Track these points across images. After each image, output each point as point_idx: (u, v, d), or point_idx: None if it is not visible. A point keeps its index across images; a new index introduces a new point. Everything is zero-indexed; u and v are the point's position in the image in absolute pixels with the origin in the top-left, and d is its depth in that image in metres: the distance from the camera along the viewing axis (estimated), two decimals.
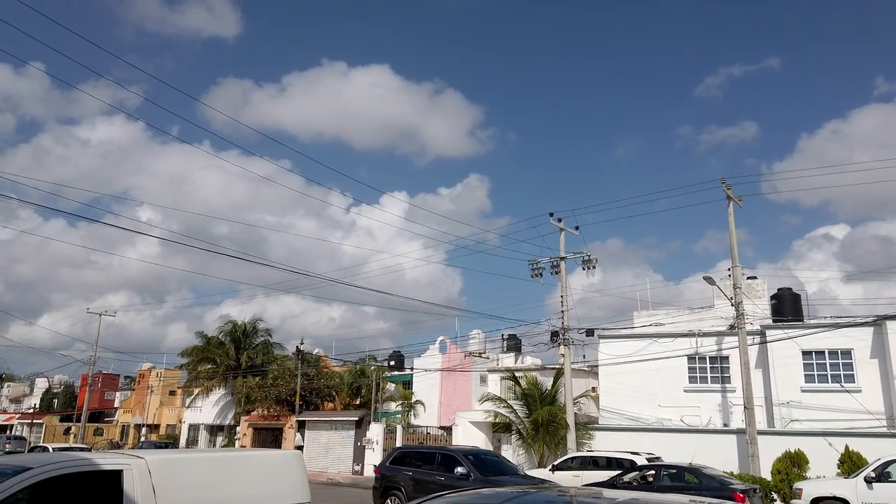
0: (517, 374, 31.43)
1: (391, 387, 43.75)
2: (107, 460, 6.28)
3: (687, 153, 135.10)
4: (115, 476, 6.08)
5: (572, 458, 23.48)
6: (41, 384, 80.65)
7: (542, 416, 26.27)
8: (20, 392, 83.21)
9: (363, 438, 35.50)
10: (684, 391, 27.58)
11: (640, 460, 21.74)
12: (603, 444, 26.40)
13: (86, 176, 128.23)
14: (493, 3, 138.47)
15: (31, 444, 46.93)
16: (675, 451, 22.74)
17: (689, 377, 27.68)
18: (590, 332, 28.03)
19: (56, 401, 76.04)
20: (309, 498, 7.77)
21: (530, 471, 24.99)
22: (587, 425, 27.73)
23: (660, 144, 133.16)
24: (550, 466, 23.35)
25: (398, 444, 33.77)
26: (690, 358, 27.52)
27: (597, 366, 33.61)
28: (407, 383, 42.79)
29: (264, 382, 42.64)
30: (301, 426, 38.57)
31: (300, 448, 34.94)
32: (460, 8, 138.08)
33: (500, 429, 30.35)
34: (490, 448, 31.34)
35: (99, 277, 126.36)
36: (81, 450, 31.90)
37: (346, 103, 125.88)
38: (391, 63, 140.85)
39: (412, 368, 44.69)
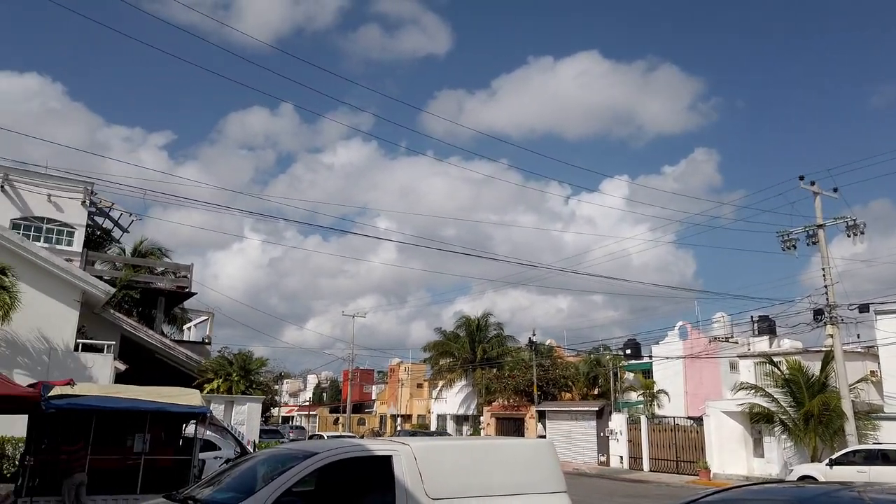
0: (775, 358, 28.23)
1: (630, 376, 42.23)
2: (378, 447, 6.68)
3: None
4: (387, 461, 6.44)
5: (854, 452, 20.46)
6: (312, 380, 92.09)
7: (812, 405, 23.22)
8: (296, 387, 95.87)
9: (605, 429, 34.70)
10: None
11: None
12: (891, 436, 22.59)
13: (332, 196, 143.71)
14: None
15: (309, 433, 53.64)
16: None
17: None
18: (863, 308, 24.15)
19: (325, 394, 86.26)
20: (564, 487, 7.55)
21: (800, 466, 22.28)
22: (869, 414, 23.96)
23: None
24: (827, 461, 20.59)
25: (643, 435, 32.43)
26: None
27: (875, 346, 28.98)
28: (646, 372, 40.94)
29: (501, 374, 43.82)
30: (541, 416, 38.90)
31: (543, 437, 35.22)
32: None
33: (759, 419, 27.53)
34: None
35: (350, 284, 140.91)
36: (349, 437, 35.52)
37: (556, 96, 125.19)
38: (599, 48, 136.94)
39: (650, 356, 42.66)
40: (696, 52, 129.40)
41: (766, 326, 39.01)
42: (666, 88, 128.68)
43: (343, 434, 38.88)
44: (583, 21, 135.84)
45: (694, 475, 28.37)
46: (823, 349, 29.70)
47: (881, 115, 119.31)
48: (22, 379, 16.32)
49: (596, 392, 41.42)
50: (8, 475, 16.43)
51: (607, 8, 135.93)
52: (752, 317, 40.16)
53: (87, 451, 10.77)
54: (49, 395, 10.50)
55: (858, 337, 26.62)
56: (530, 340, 42.28)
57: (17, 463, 14.63)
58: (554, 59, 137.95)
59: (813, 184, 24.30)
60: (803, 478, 20.91)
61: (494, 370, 45.47)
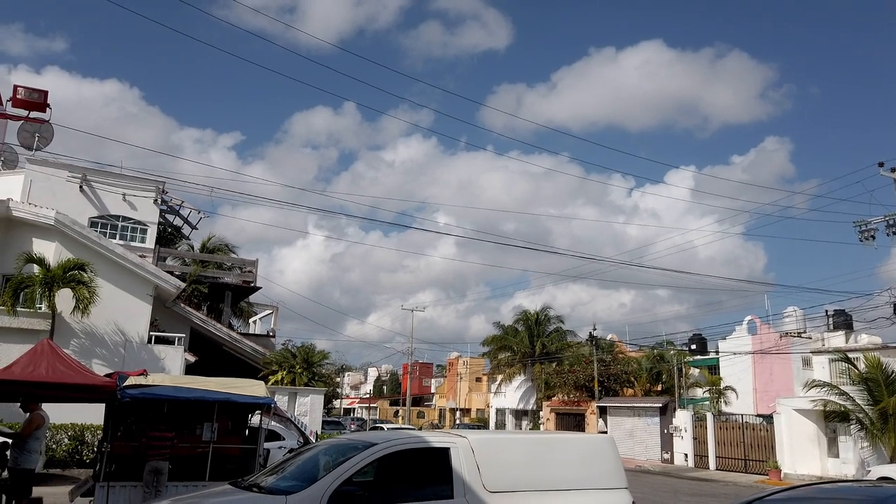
0: (851, 355, 26.87)
1: (695, 372, 41.05)
2: (436, 439, 6.71)
3: None
4: (444, 453, 6.45)
5: None
6: (372, 372, 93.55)
7: (891, 403, 22.02)
8: (357, 380, 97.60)
9: (669, 426, 33.87)
10: None
11: None
12: None
13: (392, 192, 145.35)
14: None
15: (370, 425, 54.59)
16: None
17: None
18: None
19: (385, 387, 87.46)
20: (625, 483, 7.40)
21: (878, 467, 21.16)
22: None
23: None
24: None
25: (709, 432, 31.50)
26: None
27: None
28: (712, 368, 39.72)
29: (561, 368, 43.34)
30: (602, 412, 38.31)
31: (604, 433, 34.68)
32: None
33: (834, 418, 26.28)
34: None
35: (410, 279, 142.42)
36: (409, 429, 35.95)
37: (618, 87, 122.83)
38: (663, 37, 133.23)
39: (717, 352, 41.35)
40: (767, 38, 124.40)
41: (842, 321, 37.13)
42: (734, 76, 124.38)
43: (403, 426, 39.31)
44: (646, 10, 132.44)
45: (763, 475, 27.38)
46: None
47: None
48: (99, 369, 17.19)
49: (659, 388, 40.46)
50: (87, 461, 17.35)
51: None
52: (826, 311, 38.33)
53: (171, 440, 11.21)
54: (124, 384, 10.99)
55: None
56: (591, 335, 41.63)
57: (95, 449, 15.42)
58: (616, 50, 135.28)
59: (894, 170, 22.98)
60: (881, 479, 19.89)
61: (554, 365, 45.02)
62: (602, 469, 7.21)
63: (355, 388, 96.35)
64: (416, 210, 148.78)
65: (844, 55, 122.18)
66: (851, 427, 25.36)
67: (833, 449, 27.60)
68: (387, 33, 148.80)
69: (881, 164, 23.07)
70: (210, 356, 25.27)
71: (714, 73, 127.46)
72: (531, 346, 48.31)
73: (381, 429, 36.33)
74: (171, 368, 21.02)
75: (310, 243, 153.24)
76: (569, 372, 41.89)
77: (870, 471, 20.80)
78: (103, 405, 12.47)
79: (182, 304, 25.77)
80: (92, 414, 16.19)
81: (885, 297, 28.43)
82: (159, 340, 22.32)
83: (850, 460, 26.36)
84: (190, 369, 21.74)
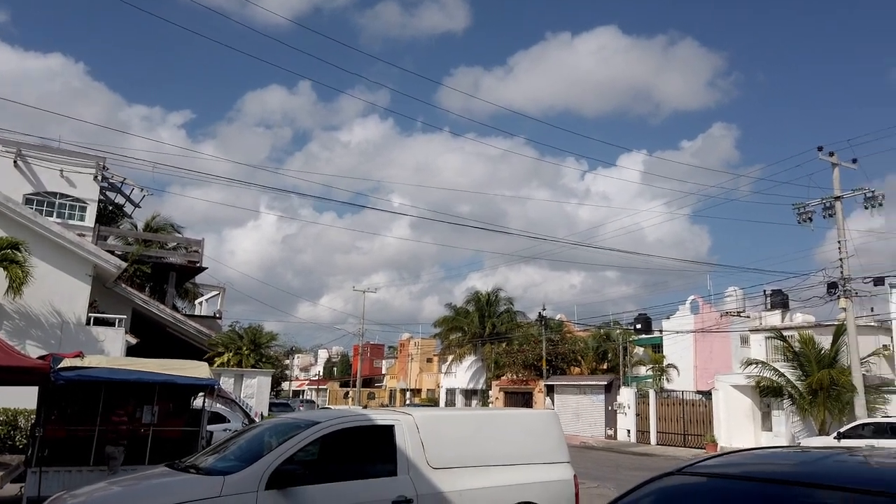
0: (786, 332, 28.11)
1: (639, 350, 42.21)
2: (381, 416, 6.71)
3: None
4: (389, 430, 6.46)
5: (863, 426, 20.39)
6: (323, 355, 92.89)
7: (821, 378, 23.12)
8: (307, 362, 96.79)
9: (613, 403, 34.80)
10: None
11: None
12: None
13: (348, 172, 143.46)
14: None
15: (318, 406, 54.30)
16: None
17: None
18: (879, 281, 23.85)
19: (335, 369, 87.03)
20: (567, 458, 7.56)
21: (808, 439, 22.28)
22: (880, 388, 23.84)
23: None
24: (835, 434, 20.54)
25: (651, 408, 32.51)
26: None
27: (888, 320, 28.73)
28: (656, 346, 40.91)
29: (511, 348, 43.93)
30: (550, 390, 39.06)
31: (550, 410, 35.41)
32: None
33: (768, 393, 27.49)
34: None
35: (364, 260, 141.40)
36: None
37: (573, 72, 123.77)
38: (618, 22, 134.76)
39: (661, 331, 42.58)
40: (718, 26, 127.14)
41: (779, 300, 38.71)
42: (686, 64, 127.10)
43: (352, 408, 39.27)
44: None
45: (701, 448, 28.46)
46: (835, 323, 29.51)
47: None
48: (34, 352, 16.53)
49: (605, 367, 41.46)
50: (20, 446, 16.73)
51: None
52: (764, 291, 39.89)
53: (127, 424, 10.96)
54: (58, 367, 10.60)
55: (872, 310, 26.33)
56: (540, 315, 42.27)
57: (28, 434, 14.87)
58: (572, 35, 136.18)
59: (832, 154, 23.89)
60: None
61: (504, 345, 45.59)
62: (545, 444, 7.34)
63: (305, 370, 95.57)
64: (371, 191, 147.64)
65: (789, 45, 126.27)
66: (784, 402, 26.58)
67: (767, 423, 28.86)
68: (343, 11, 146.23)
69: (820, 149, 23.95)
70: (153, 338, 24.60)
71: (666, 61, 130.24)
72: (482, 326, 48.77)
73: (330, 409, 36.25)
74: (110, 351, 20.37)
75: (261, 224, 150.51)
76: (518, 352, 42.50)
77: (800, 443, 21.86)
78: (37, 388, 12.01)
79: (123, 285, 24.94)
80: (27, 398, 15.60)
81: (819, 277, 29.66)
82: (98, 322, 21.59)
83: (782, 433, 27.64)
84: (131, 351, 21.14)
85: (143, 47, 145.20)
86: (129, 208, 33.09)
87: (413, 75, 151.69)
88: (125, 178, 30.81)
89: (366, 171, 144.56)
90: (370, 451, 6.54)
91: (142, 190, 31.77)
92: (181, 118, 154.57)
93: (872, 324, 30.21)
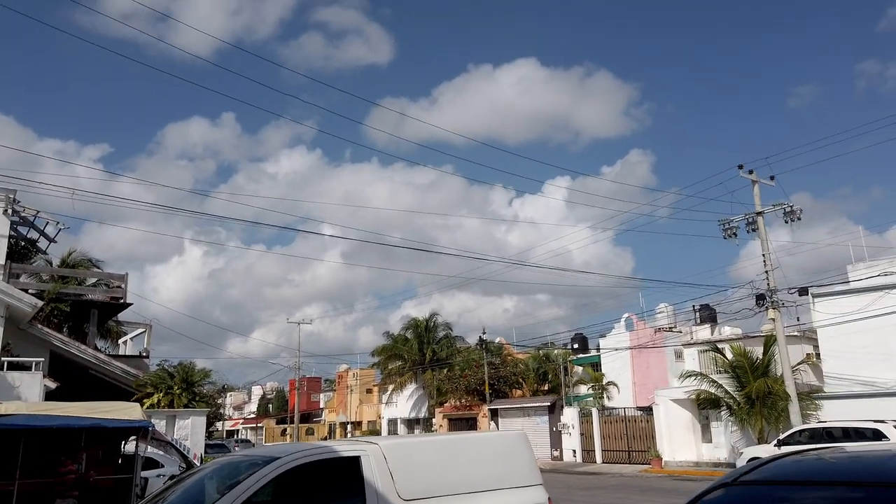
0: (719, 345, 28.97)
1: (579, 370, 42.65)
2: (345, 447, 6.22)
3: (871, 94, 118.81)
4: (355, 462, 5.98)
5: (800, 432, 21.07)
6: (257, 391, 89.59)
7: (757, 388, 23.82)
8: (241, 400, 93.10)
9: (557, 423, 34.87)
10: None
11: (887, 429, 18.93)
12: (831, 415, 23.43)
13: (276, 204, 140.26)
14: None
15: (255, 445, 52.02)
16: None
17: None
18: (803, 291, 24.94)
19: (271, 405, 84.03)
20: (540, 480, 7.25)
21: (749, 448, 22.81)
22: (810, 394, 24.78)
23: (839, 90, 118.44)
24: (775, 442, 21.11)
25: (595, 427, 32.72)
26: None
27: (808, 330, 30.06)
28: (595, 365, 41.43)
29: (452, 374, 43.53)
30: (494, 414, 38.81)
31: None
32: None
33: (706, 405, 28.14)
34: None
35: (295, 293, 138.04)
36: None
37: (496, 103, 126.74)
38: (537, 55, 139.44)
39: (598, 349, 43.23)
40: (630, 59, 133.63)
41: (707, 315, 40.05)
42: (601, 94, 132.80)
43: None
44: (521, 29, 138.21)
45: (646, 464, 28.78)
46: (762, 334, 30.61)
47: (801, 112, 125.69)
48: None
49: (546, 388, 41.63)
50: None
51: (544, 15, 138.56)
52: (693, 306, 41.19)
53: (75, 472, 9.91)
54: None
55: (798, 320, 27.50)
56: (480, 339, 42.18)
57: None
58: (493, 67, 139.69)
59: (751, 172, 24.98)
60: (753, 459, 21.43)
61: (445, 371, 45.16)
62: (518, 466, 7.02)
63: (239, 408, 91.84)
64: (300, 222, 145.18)
65: (697, 78, 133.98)
66: (722, 413, 27.24)
67: (707, 435, 29.52)
68: (266, 44, 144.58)
69: (740, 167, 25.01)
70: (75, 382, 22.91)
71: (583, 91, 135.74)
72: (421, 353, 48.21)
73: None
74: (28, 397, 18.77)
75: (186, 259, 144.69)
76: (460, 377, 42.15)
77: (742, 452, 22.36)
78: None
79: (40, 326, 23.20)
80: None
81: (744, 290, 30.80)
82: (13, 367, 19.92)
83: (721, 444, 28.30)
84: (51, 396, 19.56)
85: (54, 82, 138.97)
86: (43, 243, 30.97)
87: (341, 104, 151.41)
88: (38, 211, 28.89)
89: (294, 201, 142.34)
90: (335, 486, 6.04)
91: (57, 224, 29.79)
92: (98, 151, 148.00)
93: (796, 333, 31.55)
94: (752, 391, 24.06)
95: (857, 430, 19.39)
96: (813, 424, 21.39)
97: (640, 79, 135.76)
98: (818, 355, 28.87)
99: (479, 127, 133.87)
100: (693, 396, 28.05)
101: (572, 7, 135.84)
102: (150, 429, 11.84)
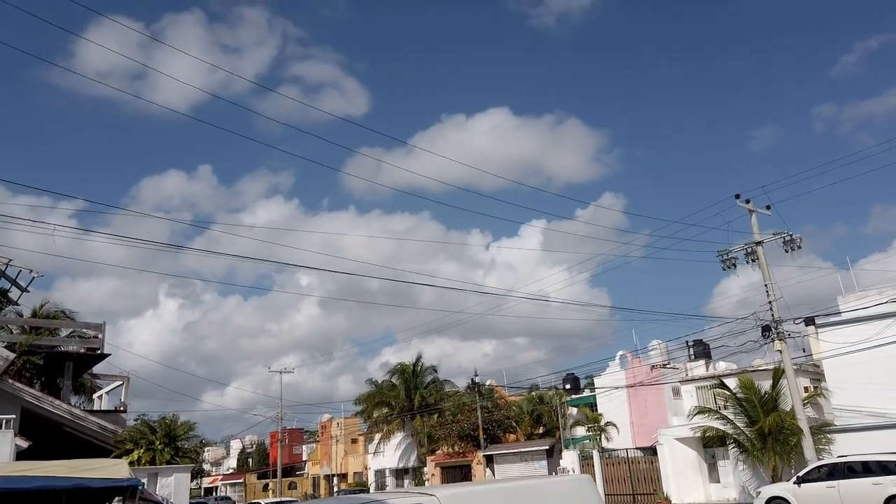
0: (715, 381, 28.24)
1: (573, 411, 41.50)
2: (404, 500, 5.22)
3: (829, 135, 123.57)
4: None
5: (819, 468, 20.15)
6: (235, 445, 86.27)
7: (770, 423, 22.95)
8: (219, 455, 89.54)
9: (557, 467, 33.50)
10: None
11: None
12: (843, 449, 22.61)
13: (252, 253, 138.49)
14: (591, 24, 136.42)
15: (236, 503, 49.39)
16: None
17: None
18: (809, 321, 24.41)
19: (251, 459, 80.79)
20: None
21: (767, 487, 21.79)
22: (822, 428, 24.00)
23: (797, 133, 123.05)
24: (794, 479, 20.16)
25: (597, 470, 31.48)
26: None
27: (809, 362, 29.50)
28: (591, 405, 40.35)
29: (443, 420, 42.01)
30: (489, 461, 37.31)
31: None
32: (571, 34, 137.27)
33: (713, 443, 27.20)
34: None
35: (273, 343, 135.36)
36: (291, 502, 32.60)
37: (470, 151, 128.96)
38: (509, 104, 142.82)
39: (591, 389, 42.20)
40: (597, 107, 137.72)
41: (702, 350, 39.40)
42: (572, 141, 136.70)
43: (283, 500, 35.76)
44: (493, 79, 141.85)
45: None
46: (760, 369, 29.94)
47: (764, 155, 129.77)
48: None
49: (541, 430, 40.33)
50: None
51: (513, 67, 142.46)
52: (686, 342, 40.51)
53: None
54: None
55: (804, 352, 26.87)
56: (472, 381, 40.89)
57: None
58: (466, 116, 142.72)
59: (748, 202, 24.69)
60: (772, 499, 20.44)
61: (436, 416, 43.61)
62: None
63: (217, 464, 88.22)
64: (277, 272, 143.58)
65: (663, 124, 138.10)
66: (730, 451, 26.28)
67: (713, 475, 28.46)
68: (242, 97, 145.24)
69: (737, 196, 24.69)
70: (48, 439, 21.29)
71: (554, 138, 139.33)
72: (409, 399, 46.63)
73: None
74: None
75: (161, 312, 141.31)
76: (452, 423, 40.65)
77: (760, 492, 21.34)
78: None
79: (10, 381, 21.63)
80: None
81: (743, 324, 30.18)
82: None
83: (730, 484, 27.26)
84: (23, 456, 18.00)
85: (27, 139, 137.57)
86: (15, 293, 29.41)
87: (318, 154, 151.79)
88: (10, 260, 27.46)
89: (271, 251, 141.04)
90: None
91: (31, 271, 28.34)
92: (73, 206, 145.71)
93: (794, 367, 30.95)
94: (764, 426, 23.18)
95: (880, 463, 18.57)
96: (833, 459, 20.49)
97: (608, 125, 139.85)
98: (815, 388, 28.23)
99: (455, 174, 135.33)
100: (699, 434, 27.11)
101: (542, 58, 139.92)
102: (140, 487, 10.62)
